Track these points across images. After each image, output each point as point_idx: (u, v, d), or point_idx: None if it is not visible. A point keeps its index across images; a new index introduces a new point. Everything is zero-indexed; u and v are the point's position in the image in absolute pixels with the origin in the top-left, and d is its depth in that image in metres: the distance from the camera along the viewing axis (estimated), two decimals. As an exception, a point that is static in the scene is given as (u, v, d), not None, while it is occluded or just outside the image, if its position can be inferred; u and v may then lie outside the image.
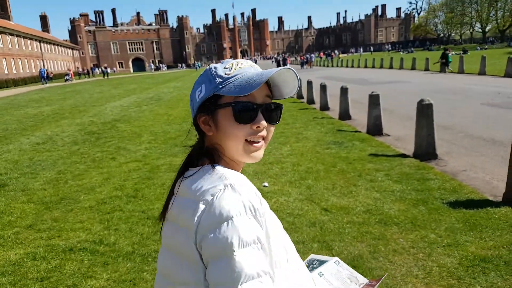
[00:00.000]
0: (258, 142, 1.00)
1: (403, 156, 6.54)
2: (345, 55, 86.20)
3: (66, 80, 52.43)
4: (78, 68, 79.43)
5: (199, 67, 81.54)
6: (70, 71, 58.59)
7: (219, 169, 0.96)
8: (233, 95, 0.95)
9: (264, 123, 0.98)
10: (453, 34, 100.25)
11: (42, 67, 52.20)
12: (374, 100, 8.56)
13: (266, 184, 5.51)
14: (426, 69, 28.06)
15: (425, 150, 6.21)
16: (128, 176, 6.28)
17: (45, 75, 45.07)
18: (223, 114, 0.97)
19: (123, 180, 6.06)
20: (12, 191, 5.87)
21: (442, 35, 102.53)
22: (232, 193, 0.88)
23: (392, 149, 7.07)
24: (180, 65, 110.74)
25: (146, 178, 6.09)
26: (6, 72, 51.37)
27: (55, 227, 4.33)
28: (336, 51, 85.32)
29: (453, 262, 3.22)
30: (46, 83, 44.16)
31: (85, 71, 72.77)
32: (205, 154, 1.03)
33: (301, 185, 5.36)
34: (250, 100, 0.97)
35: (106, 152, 8.10)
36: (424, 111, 6.22)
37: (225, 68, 0.99)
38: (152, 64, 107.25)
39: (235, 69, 0.99)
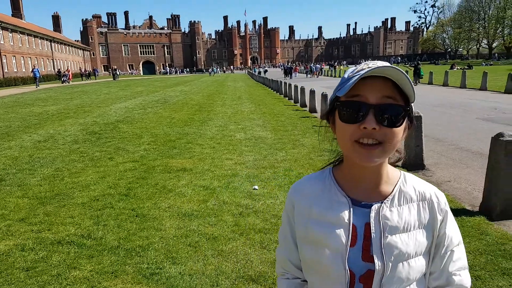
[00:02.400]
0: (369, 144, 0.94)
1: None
2: (348, 66, 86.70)
3: (63, 82, 49.17)
4: (80, 68, 75.55)
5: (214, 73, 77.90)
6: (68, 71, 55.75)
7: None
8: (340, 95, 0.97)
9: (372, 123, 0.92)
10: (460, 49, 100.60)
11: (36, 67, 45.20)
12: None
13: (256, 187, 5.68)
14: (430, 83, 28.16)
15: (414, 161, 6.36)
16: (123, 175, 6.48)
17: (39, 75, 41.04)
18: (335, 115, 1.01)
19: (118, 179, 6.26)
20: (9, 186, 6.09)
21: (449, 49, 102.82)
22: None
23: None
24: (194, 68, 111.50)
25: (140, 178, 6.29)
26: (15, 70, 51.94)
27: (47, 221, 4.53)
28: (337, 62, 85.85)
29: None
30: (38, 85, 39.56)
31: (86, 73, 67.03)
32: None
33: (289, 189, 5.51)
34: (359, 100, 0.94)
35: (104, 152, 8.31)
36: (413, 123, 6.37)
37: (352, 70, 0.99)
38: (168, 68, 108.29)
39: (357, 70, 0.96)
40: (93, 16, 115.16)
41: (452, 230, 1.05)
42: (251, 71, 76.43)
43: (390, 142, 0.95)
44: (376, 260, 0.97)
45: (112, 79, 62.80)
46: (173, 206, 4.97)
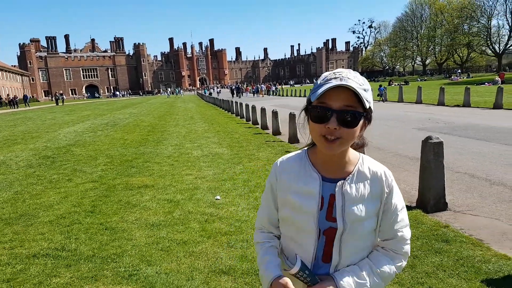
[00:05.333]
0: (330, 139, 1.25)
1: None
2: (288, 86, 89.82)
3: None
4: (8, 95, 63.70)
5: (176, 94, 77.89)
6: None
7: None
8: (312, 100, 1.27)
9: (334, 124, 1.21)
10: (397, 66, 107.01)
11: None
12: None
13: (218, 197, 6.06)
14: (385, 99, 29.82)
15: (358, 167, 7.03)
16: (85, 194, 6.63)
17: None
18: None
19: (81, 198, 6.40)
20: (-30, 210, 6.05)
21: (387, 67, 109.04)
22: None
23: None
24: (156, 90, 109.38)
25: (103, 196, 6.46)
26: None
27: (17, 239, 4.65)
28: (283, 82, 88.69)
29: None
30: None
31: (14, 99, 55.15)
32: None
33: (249, 197, 5.96)
34: (325, 106, 1.23)
35: (62, 174, 8.34)
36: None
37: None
38: (119, 92, 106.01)
39: (327, 79, 1.26)
40: (31, 40, 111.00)
41: (397, 199, 1.40)
42: (200, 92, 76.89)
43: (347, 138, 1.25)
44: (338, 221, 1.32)
45: (55, 104, 60.47)
46: (140, 219, 5.23)
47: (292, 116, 11.78)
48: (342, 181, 1.34)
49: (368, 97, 1.24)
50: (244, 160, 8.96)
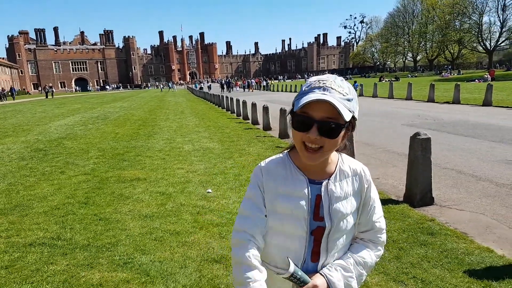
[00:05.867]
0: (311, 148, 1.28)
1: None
2: (277, 81, 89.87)
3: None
4: (2, 88, 60.46)
5: (169, 88, 75.79)
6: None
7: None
8: (295, 110, 1.28)
9: (314, 134, 1.24)
10: (388, 62, 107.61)
11: None
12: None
13: (209, 190, 6.17)
14: (361, 95, 30.14)
15: (347, 162, 7.17)
16: (79, 186, 6.69)
17: None
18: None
19: (74, 190, 6.46)
20: (-37, 201, 6.08)
21: (378, 63, 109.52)
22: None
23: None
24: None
25: (96, 188, 6.53)
26: None
27: (13, 228, 4.72)
28: (272, 77, 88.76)
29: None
30: None
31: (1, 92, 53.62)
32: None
33: (240, 191, 6.08)
34: (307, 115, 1.25)
35: (54, 167, 8.37)
36: (346, 127, 7.22)
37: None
38: (109, 85, 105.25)
39: (311, 87, 1.27)
40: (19, 32, 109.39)
41: (374, 193, 1.48)
42: (190, 87, 76.64)
43: (328, 147, 1.28)
44: (326, 220, 1.36)
45: (44, 97, 59.86)
46: (133, 210, 5.32)
47: (282, 112, 11.90)
48: (327, 181, 1.39)
49: (352, 106, 1.26)
50: (235, 155, 9.06)
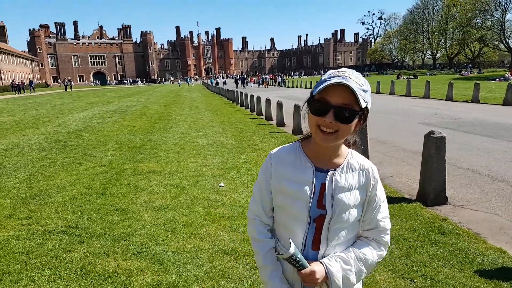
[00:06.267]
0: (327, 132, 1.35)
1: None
2: (293, 77, 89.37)
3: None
4: (13, 80, 61.56)
5: (187, 83, 77.55)
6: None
7: None
8: (314, 94, 1.37)
9: (330, 119, 1.31)
10: (406, 60, 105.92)
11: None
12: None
13: (222, 184, 6.26)
14: (377, 92, 29.91)
15: (360, 159, 7.17)
16: (96, 177, 6.85)
17: None
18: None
19: (92, 181, 6.63)
20: (-13, 189, 6.31)
21: (396, 60, 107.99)
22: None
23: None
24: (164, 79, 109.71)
25: (113, 179, 6.68)
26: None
27: (33, 216, 4.90)
28: (289, 74, 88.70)
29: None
30: None
31: (20, 85, 54.44)
32: None
33: (252, 186, 6.12)
34: (325, 100, 1.32)
35: (73, 158, 8.58)
36: (360, 125, 7.21)
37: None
38: (127, 79, 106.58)
39: (331, 76, 1.35)
40: (40, 26, 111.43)
41: (380, 191, 1.51)
42: (206, 82, 77.00)
43: (342, 132, 1.34)
44: (327, 208, 1.42)
45: (63, 90, 60.86)
46: (148, 202, 5.44)
47: (296, 108, 11.90)
48: (333, 171, 1.45)
49: (366, 97, 1.34)
50: (247, 150, 9.13)
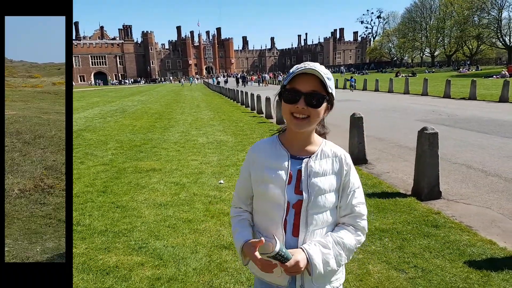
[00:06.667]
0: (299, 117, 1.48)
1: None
2: None
3: None
4: None
5: (190, 83, 76.96)
6: None
7: None
8: (285, 84, 1.52)
9: (302, 105, 1.45)
10: (405, 58, 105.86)
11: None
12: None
13: (222, 181, 6.38)
14: (376, 90, 29.99)
15: (357, 156, 7.29)
16: (97, 176, 6.98)
17: None
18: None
19: (93, 179, 6.75)
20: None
21: (395, 58, 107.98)
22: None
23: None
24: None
25: (113, 178, 6.81)
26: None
27: (36, 214, 5.00)
28: (282, 74, 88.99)
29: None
30: None
31: None
32: None
33: (251, 183, 6.26)
34: (296, 89, 1.47)
35: (74, 157, 8.68)
36: (356, 123, 7.33)
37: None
38: (127, 79, 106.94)
39: (298, 67, 1.49)
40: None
41: (354, 177, 1.61)
42: (207, 81, 77.17)
43: (314, 117, 1.49)
44: (304, 193, 1.51)
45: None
46: (149, 199, 5.57)
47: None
48: (308, 158, 1.57)
49: (330, 84, 1.50)
50: (247, 148, 9.17)
